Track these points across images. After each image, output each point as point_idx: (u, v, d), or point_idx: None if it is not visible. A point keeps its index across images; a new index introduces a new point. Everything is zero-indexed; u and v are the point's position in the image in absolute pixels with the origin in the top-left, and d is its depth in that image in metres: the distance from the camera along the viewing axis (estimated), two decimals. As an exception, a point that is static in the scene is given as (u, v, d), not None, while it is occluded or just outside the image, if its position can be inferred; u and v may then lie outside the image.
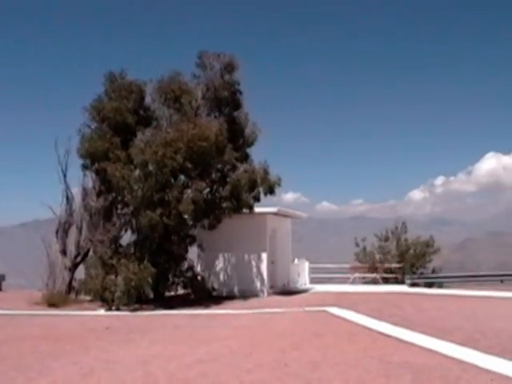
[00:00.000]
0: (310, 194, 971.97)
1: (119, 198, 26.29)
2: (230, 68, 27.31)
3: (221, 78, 27.17)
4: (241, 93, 27.86)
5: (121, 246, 26.27)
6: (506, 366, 10.65)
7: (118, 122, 25.67)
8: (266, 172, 26.37)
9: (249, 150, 28.18)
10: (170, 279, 26.41)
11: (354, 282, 34.93)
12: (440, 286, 33.83)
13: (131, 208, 25.90)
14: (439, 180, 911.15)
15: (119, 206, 26.81)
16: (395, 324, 16.47)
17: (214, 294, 26.57)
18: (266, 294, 27.14)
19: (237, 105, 27.90)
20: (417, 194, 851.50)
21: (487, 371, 10.26)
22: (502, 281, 33.33)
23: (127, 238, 26.76)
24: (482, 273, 45.09)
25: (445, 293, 28.58)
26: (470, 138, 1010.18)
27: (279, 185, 26.80)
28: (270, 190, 26.66)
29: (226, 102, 27.44)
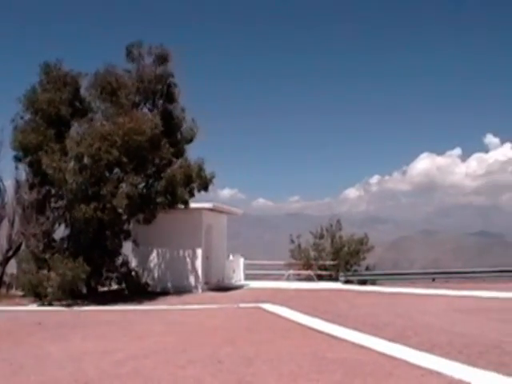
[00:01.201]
0: (246, 191, 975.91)
1: (53, 191, 25.88)
2: (162, 60, 27.05)
3: (154, 71, 26.90)
4: (175, 85, 27.65)
5: (54, 240, 25.86)
6: (435, 361, 10.81)
7: (52, 114, 25.18)
8: (201, 168, 26.32)
9: (186, 146, 28.01)
10: (104, 274, 26.08)
11: (288, 278, 35.05)
12: (373, 283, 34.28)
13: (65, 201, 25.51)
14: (374, 179, 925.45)
15: (53, 200, 26.34)
16: (328, 320, 16.59)
17: (149, 289, 26.35)
18: (200, 289, 27.05)
19: (171, 98, 27.69)
20: (352, 192, 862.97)
21: (418, 367, 10.40)
22: (433, 279, 33.99)
23: (60, 232, 26.35)
24: (414, 270, 45.86)
25: (378, 290, 28.95)
26: (406, 138, 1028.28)
27: (211, 181, 26.81)
28: (205, 186, 26.64)
29: (161, 94, 27.23)
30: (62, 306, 22.34)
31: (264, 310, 19.79)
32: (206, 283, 27.97)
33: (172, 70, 27.32)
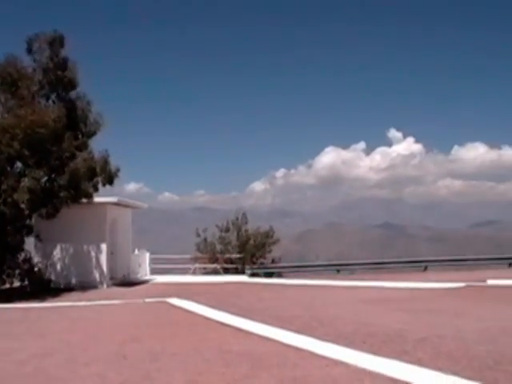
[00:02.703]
0: (152, 185, 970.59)
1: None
2: (58, 46, 26.38)
3: (52, 59, 26.24)
4: (73, 70, 26.93)
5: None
6: (340, 351, 10.98)
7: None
8: (105, 162, 25.98)
9: (91, 139, 27.54)
10: (6, 271, 25.45)
11: (194, 272, 35.03)
12: (279, 275, 34.63)
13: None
14: (280, 172, 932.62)
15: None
16: (235, 313, 16.63)
17: (52, 285, 25.90)
18: (105, 285, 26.73)
19: (72, 84, 27.01)
20: (258, 186, 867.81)
21: (323, 357, 10.53)
22: (338, 270, 34.66)
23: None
24: (320, 263, 46.55)
25: (284, 282, 29.25)
26: (311, 132, 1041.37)
27: (116, 175, 26.52)
28: (110, 180, 26.31)
29: (61, 82, 26.59)
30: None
31: (170, 305, 19.70)
32: (111, 278, 27.66)
33: (68, 55, 26.74)
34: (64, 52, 26.58)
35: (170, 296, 21.69)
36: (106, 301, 21.70)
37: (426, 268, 34.77)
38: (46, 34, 26.46)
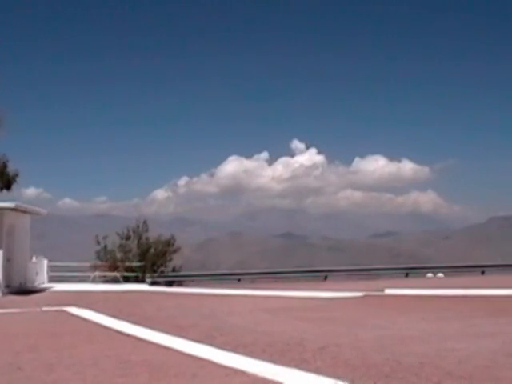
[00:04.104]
0: (52, 190, 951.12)
1: None
2: None
3: None
4: None
5: None
6: (240, 360, 10.96)
7: None
8: (3, 166, 25.36)
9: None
10: None
11: (94, 280, 34.54)
12: (180, 284, 34.56)
13: None
14: (183, 180, 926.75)
15: None
16: (134, 322, 16.45)
17: None
18: (0, 293, 25.98)
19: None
20: (160, 194, 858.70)
21: (223, 366, 10.48)
22: (239, 279, 34.85)
23: None
24: (221, 271, 46.72)
25: (185, 291, 29.18)
26: (214, 141, 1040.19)
27: (15, 180, 25.94)
28: (7, 185, 25.70)
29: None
30: None
31: (68, 314, 19.34)
32: (7, 286, 26.92)
33: None
34: None
35: (68, 305, 21.30)
36: (0, 310, 21.10)
37: (326, 277, 35.37)
38: None
